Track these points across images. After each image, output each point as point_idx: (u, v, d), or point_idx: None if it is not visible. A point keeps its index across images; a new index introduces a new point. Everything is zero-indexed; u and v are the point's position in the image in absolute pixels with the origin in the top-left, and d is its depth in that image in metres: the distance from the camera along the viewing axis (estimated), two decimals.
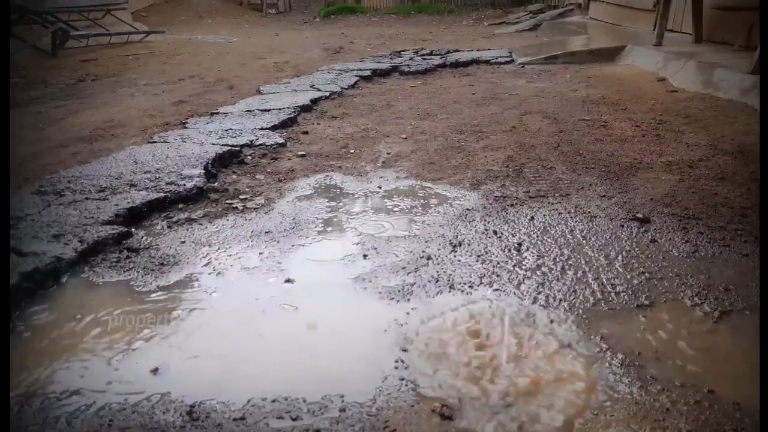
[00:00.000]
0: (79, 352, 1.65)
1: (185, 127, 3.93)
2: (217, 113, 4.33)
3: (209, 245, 2.29)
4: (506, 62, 6.83)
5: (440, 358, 1.60)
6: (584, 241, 2.25)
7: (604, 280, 1.97)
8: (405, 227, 2.43)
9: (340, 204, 2.70)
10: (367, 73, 6.02)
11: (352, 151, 3.50)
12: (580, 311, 1.80)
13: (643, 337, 1.67)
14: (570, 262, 2.10)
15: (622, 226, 2.38)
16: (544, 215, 2.50)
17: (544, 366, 1.55)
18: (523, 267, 2.07)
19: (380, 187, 2.89)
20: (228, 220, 2.53)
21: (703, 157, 3.19)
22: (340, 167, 3.21)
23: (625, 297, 1.87)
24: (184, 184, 2.79)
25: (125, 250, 2.23)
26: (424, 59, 6.99)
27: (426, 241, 2.29)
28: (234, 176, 3.07)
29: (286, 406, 1.42)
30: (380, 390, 1.48)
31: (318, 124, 4.16)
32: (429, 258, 2.16)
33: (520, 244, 2.24)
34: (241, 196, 2.78)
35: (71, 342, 1.70)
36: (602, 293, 1.89)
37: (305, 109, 4.49)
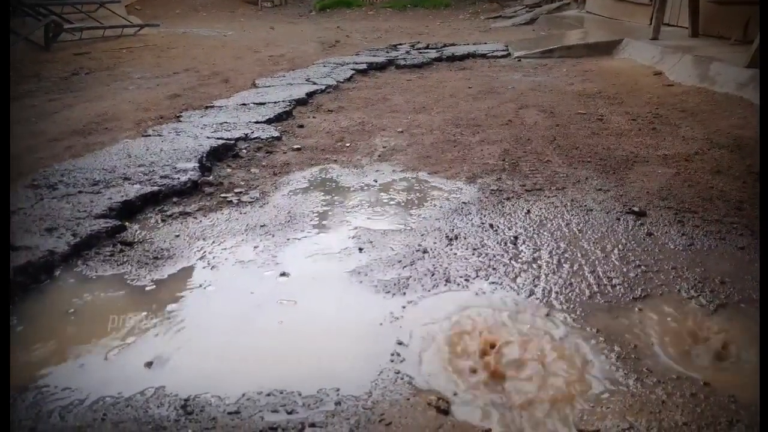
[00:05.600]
0: (73, 346, 1.63)
1: (180, 121, 3.90)
2: (212, 107, 4.30)
3: (204, 239, 2.27)
4: (503, 56, 6.81)
5: (436, 352, 1.59)
6: (580, 235, 2.25)
7: (600, 273, 1.97)
8: (401, 221, 2.42)
9: (336, 197, 2.69)
10: (363, 66, 5.99)
11: (348, 144, 3.48)
12: (577, 304, 1.79)
13: (639, 329, 1.67)
14: (566, 255, 2.09)
15: (618, 219, 2.37)
16: (540, 208, 2.49)
17: (540, 359, 1.55)
18: (520, 260, 2.07)
19: (376, 181, 2.88)
20: (223, 213, 2.51)
21: (699, 150, 3.19)
22: (335, 161, 3.19)
23: (621, 290, 1.87)
24: (179, 178, 2.77)
25: (119, 244, 2.21)
26: (421, 53, 6.97)
27: (422, 235, 2.28)
28: (229, 170, 3.06)
29: (281, 400, 1.41)
30: (376, 383, 1.47)
31: (314, 117, 4.14)
32: (425, 251, 2.15)
33: (516, 238, 2.23)
34: (236, 190, 2.76)
35: (64, 336, 1.69)
36: (598, 286, 1.89)
37: (301, 102, 4.47)
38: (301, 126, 3.88)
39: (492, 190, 2.71)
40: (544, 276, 1.96)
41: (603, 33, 7.46)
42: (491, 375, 1.49)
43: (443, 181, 2.87)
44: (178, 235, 2.30)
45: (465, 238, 2.24)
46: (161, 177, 2.78)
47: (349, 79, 5.45)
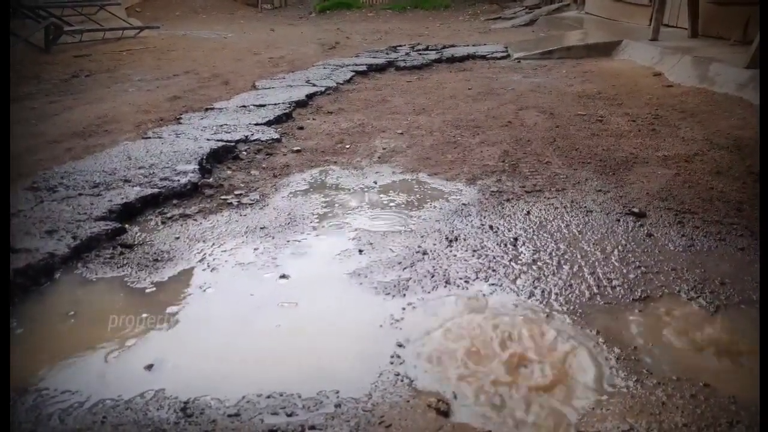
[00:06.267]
0: (73, 349, 1.63)
1: (179, 123, 3.90)
2: (212, 109, 4.30)
3: (204, 241, 2.27)
4: (502, 57, 6.82)
5: (436, 354, 1.59)
6: (580, 236, 2.25)
7: (600, 274, 1.97)
8: (401, 222, 2.42)
9: (336, 199, 2.69)
10: (363, 68, 6.00)
11: (348, 146, 3.49)
12: (576, 306, 1.79)
13: (639, 331, 1.67)
14: (566, 256, 2.09)
15: (618, 220, 2.37)
16: (540, 210, 2.49)
17: (540, 361, 1.55)
18: (519, 262, 2.07)
19: (376, 182, 2.88)
20: (223, 215, 2.51)
21: (698, 151, 3.19)
22: (335, 162, 3.20)
23: (621, 291, 1.86)
24: (179, 180, 2.77)
25: (119, 246, 2.21)
26: (420, 54, 6.98)
27: (422, 236, 2.28)
28: (229, 172, 3.06)
29: (281, 402, 1.41)
30: (376, 385, 1.47)
31: (313, 119, 4.14)
32: (425, 253, 2.15)
33: (516, 239, 2.23)
34: (236, 192, 2.76)
35: (64, 338, 1.68)
36: (598, 287, 1.89)
37: (300, 104, 4.47)
38: (301, 128, 3.88)
39: (492, 191, 2.71)
40: (544, 277, 1.96)
41: (602, 34, 7.47)
42: (491, 378, 1.49)
43: (443, 182, 2.87)
44: (178, 237, 2.30)
45: (465, 240, 2.24)
46: (161, 179, 2.78)
47: (348, 81, 5.46)
